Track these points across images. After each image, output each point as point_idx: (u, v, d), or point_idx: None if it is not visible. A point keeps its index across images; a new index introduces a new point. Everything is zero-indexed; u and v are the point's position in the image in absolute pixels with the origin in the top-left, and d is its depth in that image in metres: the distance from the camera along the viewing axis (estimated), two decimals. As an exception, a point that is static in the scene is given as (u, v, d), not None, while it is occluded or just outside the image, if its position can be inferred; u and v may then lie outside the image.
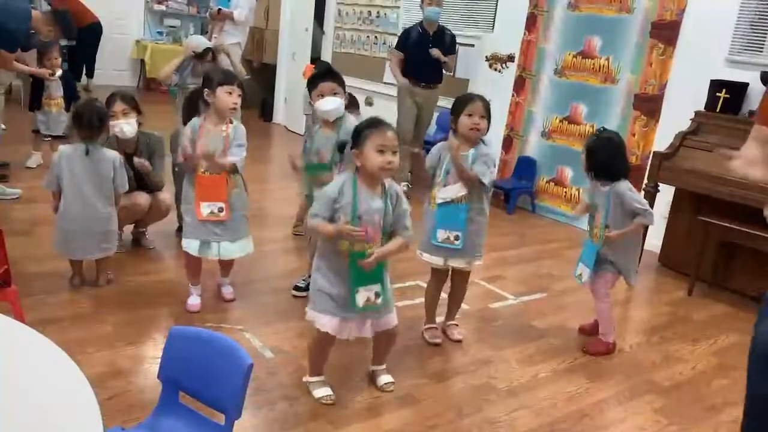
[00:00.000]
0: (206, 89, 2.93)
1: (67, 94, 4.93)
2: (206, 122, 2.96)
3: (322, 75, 3.04)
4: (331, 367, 2.54)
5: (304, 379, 2.52)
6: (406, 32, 5.65)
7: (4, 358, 1.40)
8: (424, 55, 5.44)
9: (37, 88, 4.93)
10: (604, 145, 2.95)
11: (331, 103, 2.93)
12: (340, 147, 2.87)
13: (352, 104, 4.00)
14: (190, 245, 2.99)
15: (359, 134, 2.25)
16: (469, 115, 2.77)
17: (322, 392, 2.46)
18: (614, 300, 3.90)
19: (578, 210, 3.26)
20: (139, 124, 3.52)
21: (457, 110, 2.81)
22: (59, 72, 4.91)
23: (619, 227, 2.94)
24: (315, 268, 2.38)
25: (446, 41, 5.56)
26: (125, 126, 3.39)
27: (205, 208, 2.93)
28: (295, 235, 4.26)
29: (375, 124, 2.25)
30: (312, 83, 3.00)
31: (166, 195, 3.72)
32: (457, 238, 2.82)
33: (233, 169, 2.99)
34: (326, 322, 2.32)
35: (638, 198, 2.94)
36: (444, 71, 5.65)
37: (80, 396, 1.26)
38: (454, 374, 2.80)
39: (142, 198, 3.56)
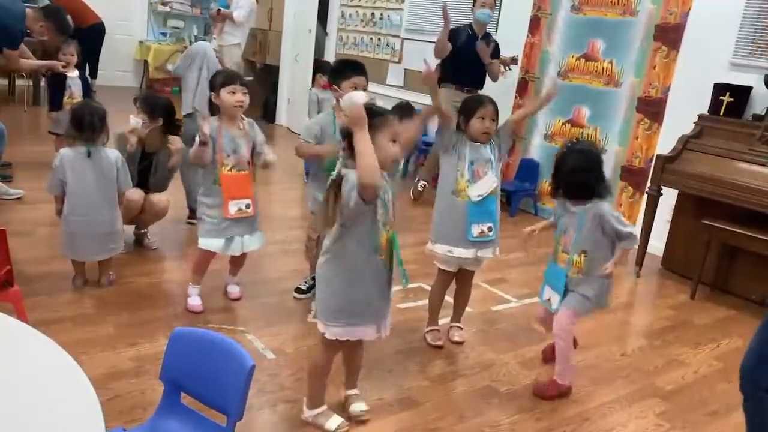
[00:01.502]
0: (212, 93, 2.98)
1: (85, 95, 4.91)
2: (222, 123, 2.98)
3: (358, 69, 2.98)
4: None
5: (304, 417, 2.32)
6: (456, 32, 5.40)
7: (7, 359, 1.40)
8: (471, 57, 5.29)
9: (57, 88, 4.88)
10: (576, 158, 2.59)
11: (364, 98, 2.89)
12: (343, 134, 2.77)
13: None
14: (214, 244, 3.00)
15: (371, 123, 2.01)
16: (481, 118, 2.77)
17: (335, 422, 2.29)
18: (616, 304, 3.91)
19: (538, 228, 2.82)
20: (167, 131, 3.66)
21: (468, 113, 2.80)
22: (76, 72, 4.90)
23: (600, 252, 2.60)
24: (331, 290, 2.14)
25: (490, 47, 5.38)
26: (132, 120, 3.47)
27: (233, 206, 2.96)
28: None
29: (382, 113, 2.10)
30: (344, 74, 2.95)
31: (162, 197, 3.71)
32: (490, 229, 2.84)
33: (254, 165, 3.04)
34: (341, 332, 2.16)
35: (623, 220, 2.62)
36: (488, 76, 5.45)
37: (82, 397, 1.26)
38: (456, 377, 2.79)
39: (136, 194, 3.55)
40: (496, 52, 5.45)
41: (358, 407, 2.39)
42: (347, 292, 2.13)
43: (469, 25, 5.45)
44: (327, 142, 2.93)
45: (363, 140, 1.94)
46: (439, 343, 3.02)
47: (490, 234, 2.85)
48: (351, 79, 2.92)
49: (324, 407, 2.32)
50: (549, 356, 2.94)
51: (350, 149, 2.01)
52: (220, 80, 2.96)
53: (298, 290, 3.36)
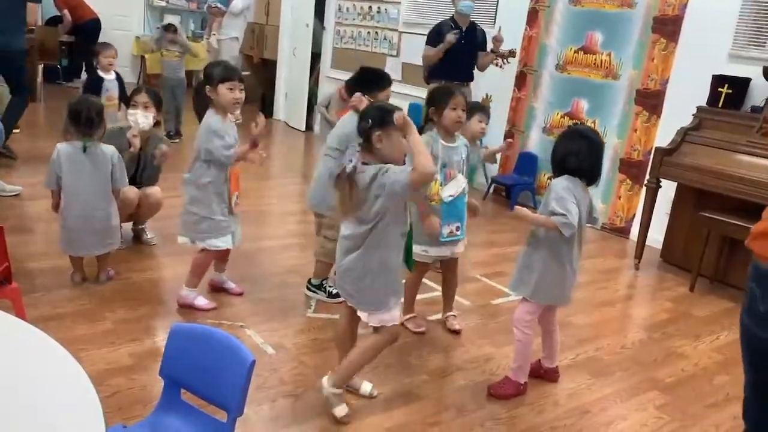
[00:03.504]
0: (207, 86, 2.87)
1: (121, 95, 4.90)
2: (219, 117, 2.91)
3: (390, 80, 3.17)
4: (328, 365, 2.53)
5: (324, 389, 2.34)
6: (438, 27, 5.30)
7: (5, 356, 1.39)
8: (456, 52, 5.15)
9: (94, 91, 4.83)
10: (569, 138, 2.51)
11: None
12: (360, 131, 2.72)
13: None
14: (228, 241, 3.02)
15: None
16: (454, 108, 2.80)
17: (344, 410, 2.34)
18: (616, 296, 3.91)
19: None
20: (157, 123, 3.62)
21: (440, 103, 2.82)
22: (113, 74, 4.91)
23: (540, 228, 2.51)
24: (372, 279, 2.21)
25: (478, 38, 5.31)
26: (141, 118, 3.47)
27: (234, 200, 3.03)
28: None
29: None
30: (381, 85, 3.08)
31: (155, 189, 3.70)
32: (458, 228, 2.89)
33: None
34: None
35: (564, 197, 2.39)
36: (476, 67, 5.37)
37: (81, 393, 1.25)
38: (455, 371, 2.79)
39: (132, 192, 3.54)
40: (483, 43, 5.37)
41: (368, 386, 2.52)
42: (396, 274, 2.27)
43: (451, 19, 5.37)
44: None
45: (417, 141, 2.11)
46: (421, 329, 3.05)
47: (458, 233, 2.90)
48: (385, 90, 3.04)
49: (342, 390, 2.37)
50: (534, 370, 2.72)
51: (368, 145, 2.17)
52: (219, 74, 2.84)
53: (317, 288, 3.31)
